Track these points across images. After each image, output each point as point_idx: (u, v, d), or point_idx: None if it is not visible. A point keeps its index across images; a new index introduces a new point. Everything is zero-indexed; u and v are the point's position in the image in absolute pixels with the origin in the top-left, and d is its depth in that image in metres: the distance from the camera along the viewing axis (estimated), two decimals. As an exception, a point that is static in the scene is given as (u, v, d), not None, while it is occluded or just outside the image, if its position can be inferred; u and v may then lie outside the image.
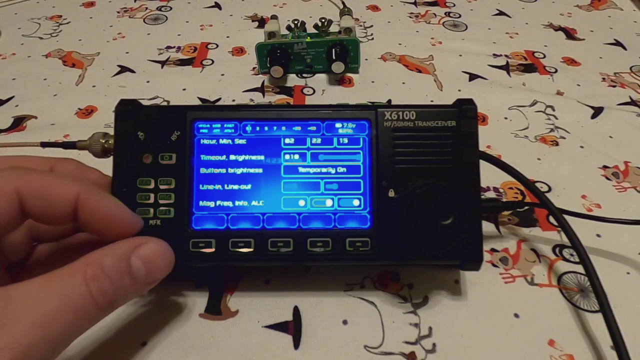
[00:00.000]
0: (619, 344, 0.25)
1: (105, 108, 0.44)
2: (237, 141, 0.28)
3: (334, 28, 0.48)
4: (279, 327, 0.28)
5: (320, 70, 0.48)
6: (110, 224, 0.23)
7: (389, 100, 0.45)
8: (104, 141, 0.29)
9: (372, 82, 0.48)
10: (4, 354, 0.17)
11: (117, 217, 0.24)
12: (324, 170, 0.27)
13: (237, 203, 0.27)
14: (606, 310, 0.26)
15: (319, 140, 0.28)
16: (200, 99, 0.45)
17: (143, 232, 0.25)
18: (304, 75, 0.49)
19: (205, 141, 0.28)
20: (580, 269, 0.31)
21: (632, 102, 0.45)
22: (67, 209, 0.22)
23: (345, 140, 0.28)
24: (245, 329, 0.28)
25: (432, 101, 0.45)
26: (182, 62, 0.50)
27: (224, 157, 0.27)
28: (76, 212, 0.22)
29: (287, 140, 0.28)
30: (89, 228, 0.23)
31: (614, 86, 0.48)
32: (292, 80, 0.48)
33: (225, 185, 0.27)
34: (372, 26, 0.57)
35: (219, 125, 0.28)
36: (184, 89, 0.47)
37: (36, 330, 0.18)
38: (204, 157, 0.27)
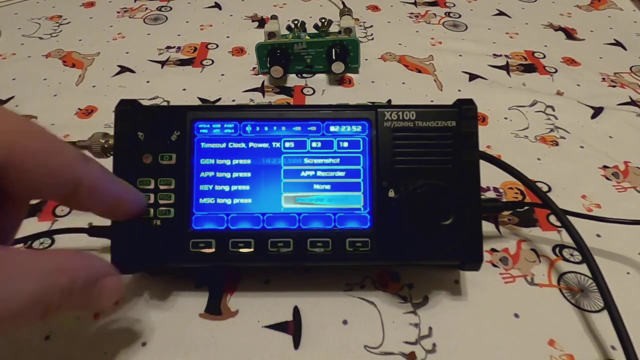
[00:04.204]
0: (624, 340, 0.25)
1: (105, 108, 0.44)
2: (237, 141, 0.28)
3: (334, 28, 0.48)
4: (279, 327, 0.28)
5: (320, 70, 0.48)
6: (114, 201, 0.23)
7: (389, 100, 0.45)
8: (104, 141, 0.29)
9: (372, 82, 0.48)
10: None
11: (123, 195, 0.24)
12: (323, 170, 0.27)
13: (237, 203, 0.27)
14: (611, 308, 0.26)
15: (318, 141, 0.28)
16: (200, 99, 0.45)
17: (144, 233, 0.25)
18: (304, 75, 0.49)
19: (205, 141, 0.28)
20: (580, 268, 0.31)
21: (632, 102, 0.45)
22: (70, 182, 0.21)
23: (345, 141, 0.28)
24: (245, 329, 0.28)
25: (432, 101, 0.45)
26: (182, 62, 0.50)
27: (223, 158, 0.27)
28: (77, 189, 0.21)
29: (287, 140, 0.28)
30: (90, 205, 0.22)
31: (614, 86, 0.48)
32: (292, 80, 0.48)
33: (225, 186, 0.27)
34: (372, 26, 0.57)
35: (219, 126, 0.28)
36: (184, 89, 0.47)
37: None
38: (203, 157, 0.27)
